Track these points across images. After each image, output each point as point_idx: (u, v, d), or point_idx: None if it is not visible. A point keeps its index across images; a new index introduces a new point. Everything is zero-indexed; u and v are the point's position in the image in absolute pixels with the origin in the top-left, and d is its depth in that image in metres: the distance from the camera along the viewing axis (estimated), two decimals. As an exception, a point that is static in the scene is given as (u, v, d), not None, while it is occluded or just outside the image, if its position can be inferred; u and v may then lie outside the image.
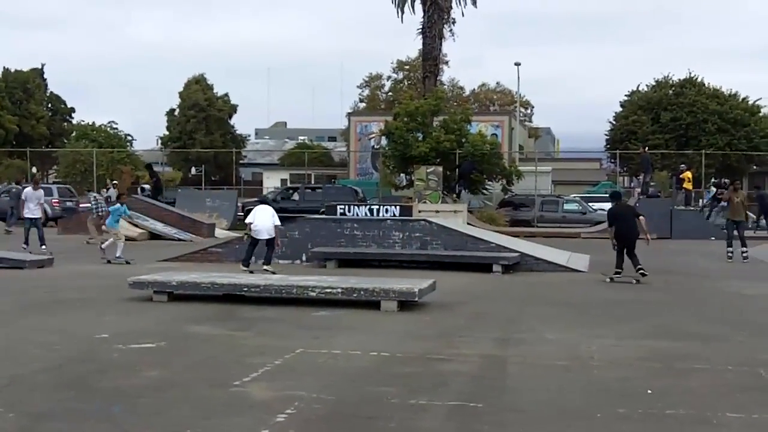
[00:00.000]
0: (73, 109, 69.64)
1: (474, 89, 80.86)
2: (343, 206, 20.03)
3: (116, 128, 56.14)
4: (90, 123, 56.36)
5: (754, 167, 57.02)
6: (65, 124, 67.46)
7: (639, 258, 15.93)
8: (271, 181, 57.75)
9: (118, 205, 20.06)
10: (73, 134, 57.61)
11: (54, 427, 6.00)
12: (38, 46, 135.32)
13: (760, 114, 53.44)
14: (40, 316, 11.21)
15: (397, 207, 20.06)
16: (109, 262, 18.26)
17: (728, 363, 8.36)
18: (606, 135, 57.42)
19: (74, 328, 10.26)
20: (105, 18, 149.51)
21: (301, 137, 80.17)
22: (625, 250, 16.06)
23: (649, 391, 7.13)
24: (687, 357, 8.68)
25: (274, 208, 17.58)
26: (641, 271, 15.64)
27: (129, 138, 57.85)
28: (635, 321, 11.24)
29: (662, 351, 9.00)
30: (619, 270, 15.87)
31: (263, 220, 16.59)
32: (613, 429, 6.07)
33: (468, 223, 26.41)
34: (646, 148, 39.47)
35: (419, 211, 24.91)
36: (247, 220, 17.27)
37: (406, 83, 75.30)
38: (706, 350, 9.10)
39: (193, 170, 62.36)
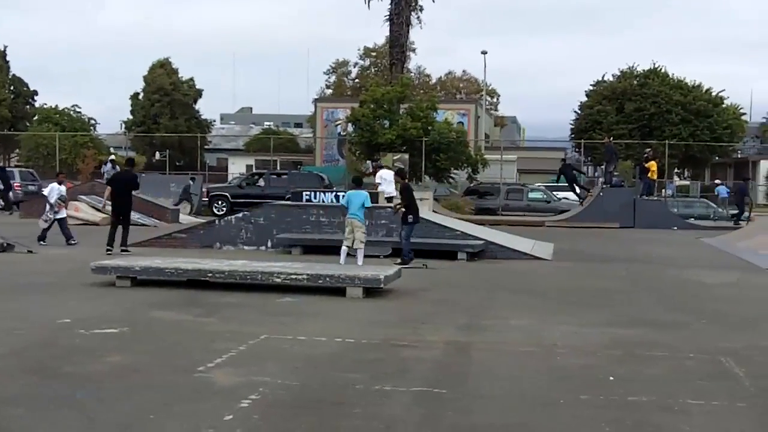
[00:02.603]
0: (35, 92, 68.71)
1: (440, 77, 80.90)
2: (308, 193, 19.98)
3: (80, 112, 55.61)
4: (53, 106, 55.76)
5: (717, 158, 57.65)
6: (28, 107, 66.54)
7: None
8: (237, 167, 57.45)
9: (358, 191, 15.71)
10: (36, 117, 56.94)
11: (16, 412, 5.93)
12: (1, 27, 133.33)
13: (723, 105, 54.00)
14: (1, 302, 11.08)
15: (363, 194, 20.01)
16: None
17: (689, 351, 8.47)
18: (571, 124, 57.79)
19: (36, 313, 10.15)
20: (71, 2, 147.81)
21: (267, 123, 79.75)
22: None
23: (611, 378, 7.20)
24: (649, 344, 8.77)
25: (239, 194, 17.68)
26: None
27: (92, 122, 57.35)
28: (598, 309, 11.34)
29: (624, 338, 9.09)
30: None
31: None
32: (575, 415, 6.12)
33: (433, 211, 26.46)
34: (611, 138, 39.85)
35: (385, 199, 24.89)
36: None
37: (373, 70, 75.11)
38: (667, 338, 9.20)
39: (158, 155, 61.85)
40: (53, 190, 19.54)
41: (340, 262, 14.66)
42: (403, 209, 16.53)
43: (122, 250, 17.11)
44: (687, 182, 57.08)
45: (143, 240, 19.38)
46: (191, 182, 35.15)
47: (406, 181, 17.29)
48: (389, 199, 21.90)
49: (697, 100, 52.67)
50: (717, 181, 38.33)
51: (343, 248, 15.07)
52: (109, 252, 17.01)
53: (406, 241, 16.33)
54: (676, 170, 55.01)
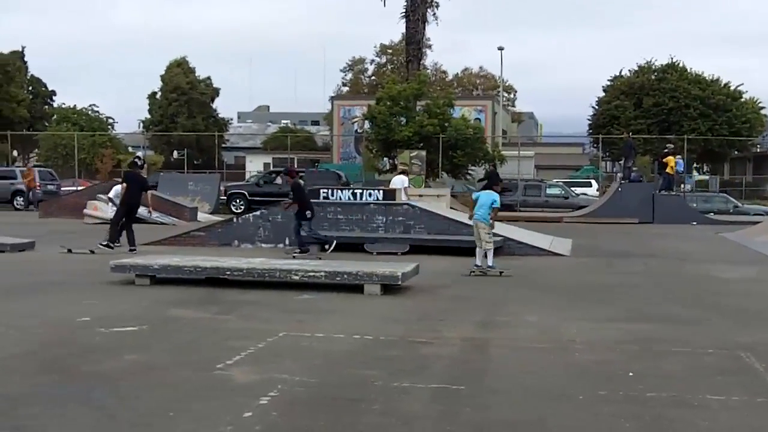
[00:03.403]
0: (53, 92, 69.15)
1: (457, 73, 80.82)
2: (326, 190, 19.99)
3: (97, 111, 55.89)
4: (71, 106, 56.07)
5: (736, 152, 57.26)
6: (46, 107, 66.94)
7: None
8: (254, 165, 57.59)
9: (489, 192, 15.07)
10: (54, 117, 57.26)
11: (34, 410, 5.96)
12: (20, 28, 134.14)
13: (742, 99, 53.57)
14: (21, 300, 11.15)
15: (381, 191, 20.05)
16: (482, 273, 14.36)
17: (708, 346, 8.42)
18: (588, 120, 57.50)
19: (55, 311, 10.21)
20: (86, 1, 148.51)
21: (284, 121, 80.00)
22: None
23: (630, 374, 7.17)
24: (667, 340, 8.73)
25: (257, 192, 18.07)
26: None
27: (110, 121, 57.63)
28: (616, 304, 11.30)
29: (642, 334, 9.06)
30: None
31: None
32: (595, 411, 6.10)
33: (451, 208, 26.45)
34: (630, 133, 39.64)
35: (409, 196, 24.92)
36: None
37: (389, 67, 75.11)
38: (685, 333, 9.15)
39: (175, 154, 62.13)
40: (117, 191, 19.43)
41: (476, 264, 14.52)
42: (296, 206, 17.24)
43: (130, 250, 17.11)
44: (706, 177, 56.75)
45: (162, 238, 19.48)
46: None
47: (297, 179, 17.96)
48: None
49: (715, 94, 52.24)
50: (678, 156, 37.87)
51: (477, 250, 14.76)
52: (110, 246, 17.13)
53: (314, 233, 17.18)
54: (695, 165, 54.64)
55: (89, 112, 55.17)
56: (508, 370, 7.37)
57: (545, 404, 6.28)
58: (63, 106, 58.96)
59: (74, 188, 37.20)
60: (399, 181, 24.42)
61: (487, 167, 39.83)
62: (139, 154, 36.66)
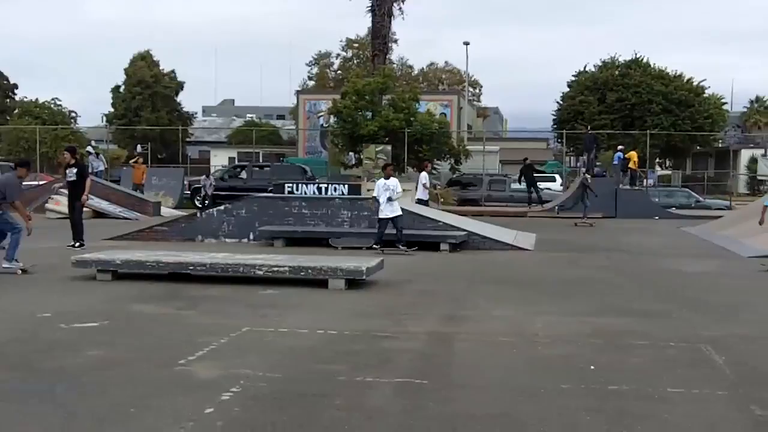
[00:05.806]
0: (15, 86, 68.23)
1: (423, 68, 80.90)
2: (291, 185, 19.93)
3: (60, 105, 55.26)
4: (33, 100, 55.41)
5: (698, 147, 57.84)
6: (8, 100, 66.06)
7: None
8: (219, 159, 57.16)
9: None
10: (16, 111, 56.54)
11: (-6, 407, 5.90)
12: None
13: (704, 95, 54.13)
14: (-19, 296, 11.01)
15: (346, 186, 20.03)
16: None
17: (670, 339, 8.50)
18: (553, 115, 57.81)
19: (16, 307, 10.10)
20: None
21: (249, 115, 79.49)
22: None
23: (592, 367, 7.23)
24: (630, 333, 8.81)
25: (221, 186, 17.59)
26: None
27: (73, 115, 57.00)
28: (579, 298, 11.37)
29: (605, 328, 9.13)
30: None
31: None
32: (557, 404, 6.14)
33: (416, 202, 26.45)
34: (588, 127, 39.84)
35: (368, 190, 24.96)
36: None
37: (355, 61, 75.00)
38: (648, 327, 9.23)
39: (139, 148, 61.54)
40: (379, 187, 17.30)
41: None
42: None
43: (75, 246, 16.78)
44: (668, 172, 57.28)
45: (125, 233, 19.31)
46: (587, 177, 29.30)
47: None
48: (420, 201, 22.90)
49: (678, 90, 52.74)
50: (620, 147, 37.65)
51: None
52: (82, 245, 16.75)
53: None
54: (657, 160, 55.12)
55: (52, 106, 54.52)
56: (472, 364, 7.39)
57: (509, 398, 6.31)
58: (25, 99, 58.23)
59: (36, 183, 36.69)
60: (423, 177, 25.13)
61: (452, 161, 40.01)
62: (89, 148, 35.85)
